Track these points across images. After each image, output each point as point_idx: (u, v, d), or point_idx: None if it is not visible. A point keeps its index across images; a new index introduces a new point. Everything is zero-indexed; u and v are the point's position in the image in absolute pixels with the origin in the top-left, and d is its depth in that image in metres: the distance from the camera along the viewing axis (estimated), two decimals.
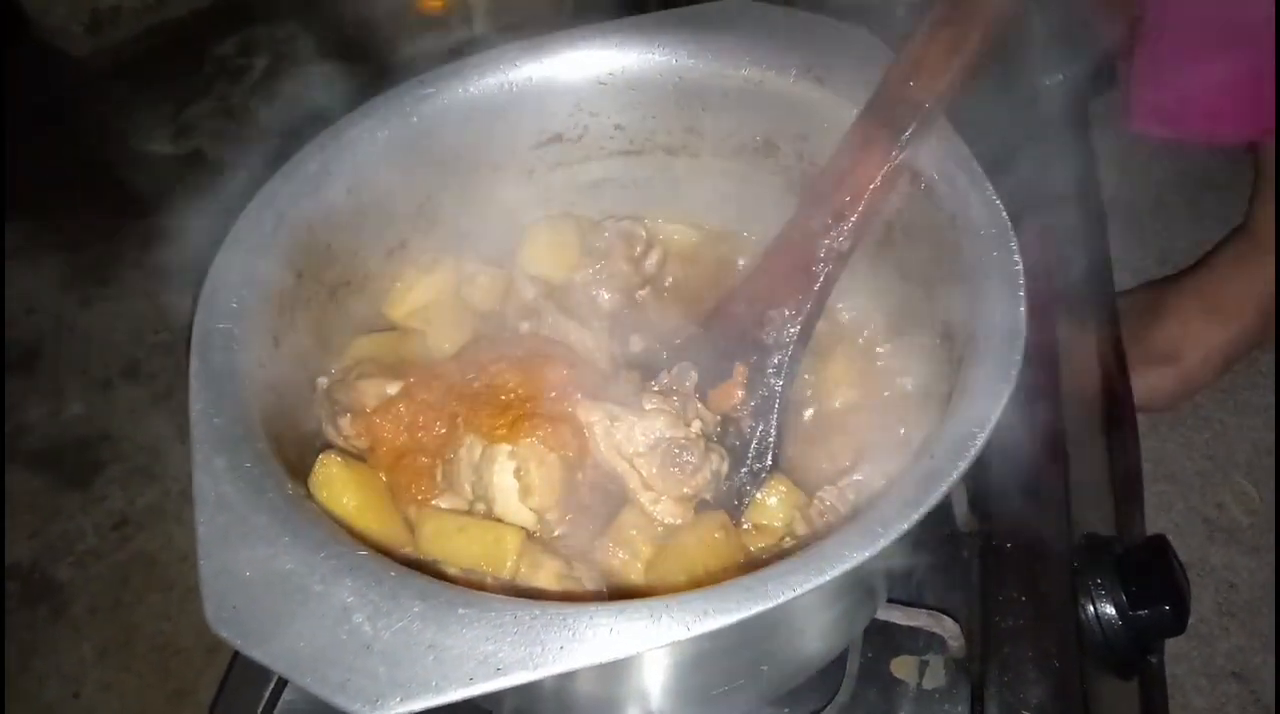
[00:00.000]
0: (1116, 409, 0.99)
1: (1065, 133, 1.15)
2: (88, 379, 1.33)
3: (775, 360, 0.65)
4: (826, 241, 0.63)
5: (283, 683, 0.75)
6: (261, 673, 0.75)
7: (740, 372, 0.65)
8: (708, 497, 0.62)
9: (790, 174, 0.74)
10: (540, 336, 0.70)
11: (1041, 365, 0.88)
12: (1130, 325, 1.15)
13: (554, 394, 0.63)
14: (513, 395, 0.63)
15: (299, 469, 0.59)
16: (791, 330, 0.65)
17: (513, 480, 0.59)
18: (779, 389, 0.65)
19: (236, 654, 0.76)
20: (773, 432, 0.65)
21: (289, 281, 0.64)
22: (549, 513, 0.60)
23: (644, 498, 0.61)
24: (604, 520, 0.63)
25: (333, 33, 1.77)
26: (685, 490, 0.60)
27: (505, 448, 0.60)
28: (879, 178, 0.61)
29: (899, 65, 0.62)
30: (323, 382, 0.67)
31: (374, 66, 0.72)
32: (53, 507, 1.20)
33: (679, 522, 0.61)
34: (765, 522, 0.62)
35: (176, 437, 1.26)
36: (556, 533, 0.61)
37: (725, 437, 0.65)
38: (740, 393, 0.65)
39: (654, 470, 0.60)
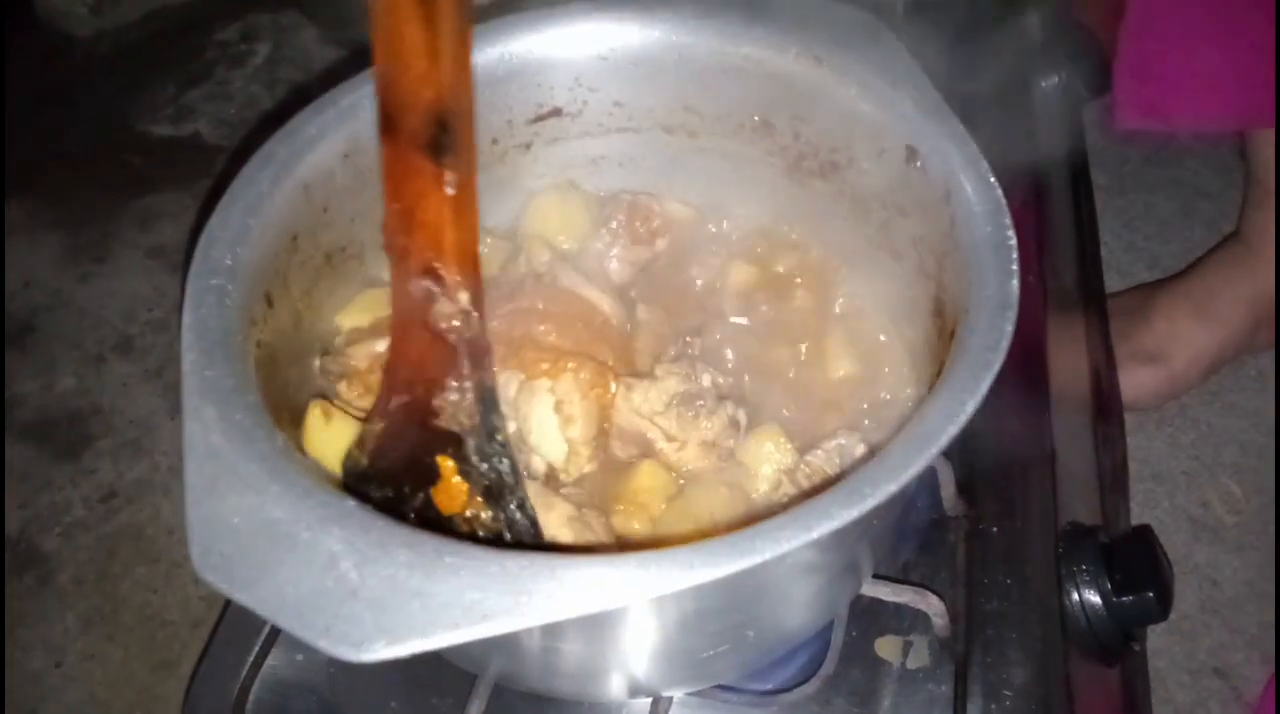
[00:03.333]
0: (1104, 403, 0.99)
1: (1060, 136, 1.16)
2: (81, 354, 1.33)
3: (473, 443, 0.56)
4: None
5: (265, 650, 0.75)
6: (244, 641, 0.75)
7: (447, 466, 0.56)
8: (730, 444, 0.63)
9: (786, 154, 0.74)
10: (561, 288, 0.70)
11: (1032, 358, 0.89)
12: (1119, 324, 1.15)
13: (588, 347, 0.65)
14: (550, 341, 0.65)
15: (291, 436, 0.59)
16: (469, 399, 0.56)
17: (552, 413, 0.61)
18: (505, 466, 0.56)
19: (219, 623, 0.77)
20: (522, 494, 0.57)
21: (284, 243, 0.64)
22: (585, 446, 0.62)
23: (667, 448, 0.63)
24: (621, 477, 0.64)
25: (334, 21, 1.78)
26: (705, 436, 0.62)
27: (546, 383, 0.61)
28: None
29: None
30: (316, 363, 0.68)
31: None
32: (42, 478, 1.20)
33: (703, 465, 0.62)
34: (755, 464, 0.63)
35: (166, 412, 1.26)
36: (587, 469, 0.63)
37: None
38: (462, 484, 0.56)
39: (673, 423, 0.62)
